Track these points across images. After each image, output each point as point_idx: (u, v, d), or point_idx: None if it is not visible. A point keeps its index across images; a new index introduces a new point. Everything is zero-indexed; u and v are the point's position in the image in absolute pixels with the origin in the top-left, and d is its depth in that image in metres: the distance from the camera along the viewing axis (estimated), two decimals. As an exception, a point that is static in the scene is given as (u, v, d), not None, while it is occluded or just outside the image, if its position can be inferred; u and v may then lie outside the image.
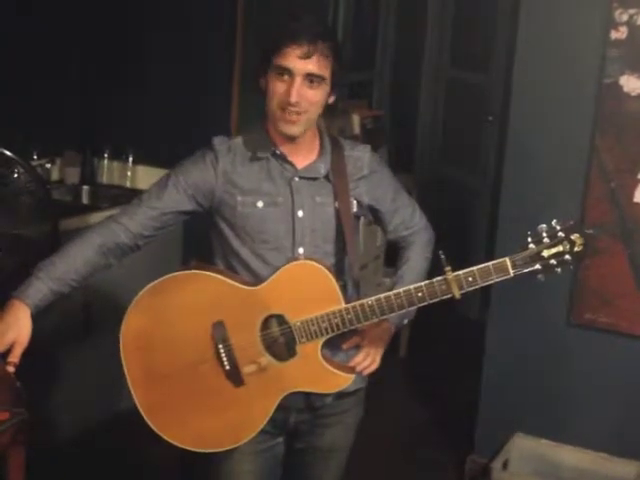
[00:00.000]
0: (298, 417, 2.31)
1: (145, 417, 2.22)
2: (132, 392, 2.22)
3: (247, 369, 2.18)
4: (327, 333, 2.15)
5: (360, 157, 2.30)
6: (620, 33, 3.14)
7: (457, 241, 4.90)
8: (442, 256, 2.11)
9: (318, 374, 2.20)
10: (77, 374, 3.69)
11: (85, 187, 4.26)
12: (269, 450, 2.33)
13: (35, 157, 3.93)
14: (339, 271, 2.24)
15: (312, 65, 2.10)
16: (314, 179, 2.23)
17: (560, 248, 2.10)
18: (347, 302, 2.16)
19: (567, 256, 2.11)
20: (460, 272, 2.10)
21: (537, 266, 2.10)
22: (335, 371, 2.21)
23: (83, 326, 3.69)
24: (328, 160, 2.25)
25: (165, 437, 2.23)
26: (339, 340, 2.24)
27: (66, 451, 3.58)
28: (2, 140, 2.90)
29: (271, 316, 2.17)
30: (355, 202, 2.27)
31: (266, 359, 2.18)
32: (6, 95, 3.75)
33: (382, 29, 5.98)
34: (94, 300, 3.61)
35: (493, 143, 5.33)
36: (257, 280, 2.19)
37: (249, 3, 4.15)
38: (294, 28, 2.10)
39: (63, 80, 4.16)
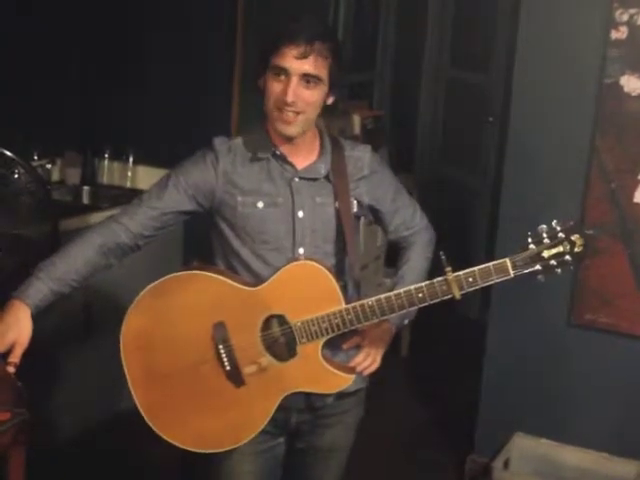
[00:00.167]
0: (299, 417, 2.31)
1: (145, 417, 2.22)
2: (132, 392, 2.22)
3: (248, 369, 2.18)
4: (327, 333, 2.15)
5: (360, 157, 2.30)
6: (620, 33, 3.14)
7: (458, 241, 4.90)
8: (442, 256, 2.11)
9: (318, 374, 2.20)
10: (77, 374, 3.69)
11: (85, 187, 4.25)
12: (269, 450, 2.33)
13: (35, 157, 3.93)
14: (339, 271, 2.24)
15: (309, 65, 2.09)
16: (314, 179, 2.23)
17: (560, 249, 2.10)
18: (347, 302, 2.16)
19: (567, 257, 2.11)
20: (460, 272, 2.10)
21: (537, 267, 2.10)
22: (335, 371, 2.21)
23: (83, 326, 3.69)
24: (328, 160, 2.25)
25: (165, 437, 2.23)
26: (339, 340, 2.24)
27: (66, 451, 3.58)
28: (2, 140, 2.90)
29: (272, 316, 2.17)
30: (355, 202, 2.27)
31: (267, 359, 2.18)
32: (6, 95, 3.74)
33: (382, 29, 5.98)
34: (95, 300, 3.61)
35: (493, 143, 5.33)
36: (258, 280, 2.19)
37: (249, 3, 4.14)
38: (292, 28, 2.10)
39: (63, 80, 4.16)
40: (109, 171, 4.34)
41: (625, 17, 3.13)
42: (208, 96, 4.18)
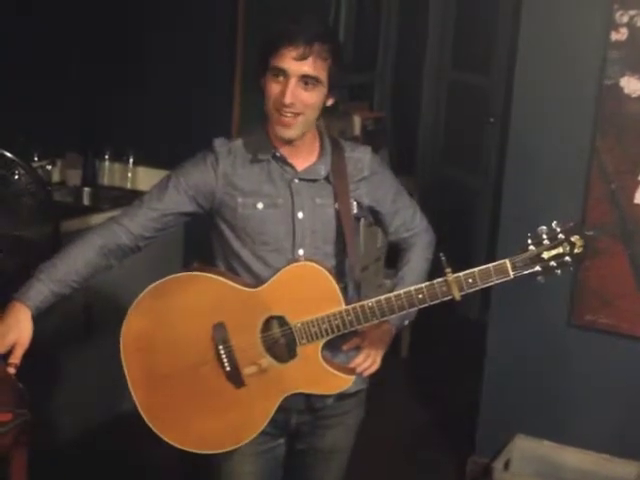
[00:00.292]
0: (299, 418, 2.31)
1: (145, 418, 2.22)
2: (132, 393, 2.23)
3: (248, 370, 2.18)
4: (327, 334, 2.16)
5: (361, 158, 2.30)
6: (620, 34, 3.14)
7: (458, 242, 4.90)
8: (442, 258, 2.11)
9: (318, 375, 2.20)
10: (78, 375, 3.69)
11: (86, 189, 4.25)
12: (270, 451, 2.33)
13: (36, 159, 3.93)
14: (340, 272, 2.24)
15: (307, 67, 2.09)
16: (314, 181, 2.23)
17: (560, 250, 2.10)
18: (348, 303, 2.16)
19: (567, 258, 2.10)
20: (460, 274, 2.11)
21: (537, 268, 2.10)
22: (335, 372, 2.21)
23: (84, 327, 3.69)
24: (328, 162, 2.25)
25: (165, 438, 2.23)
26: (340, 341, 2.24)
27: (67, 453, 3.58)
28: (3, 141, 2.90)
29: (272, 317, 2.17)
30: (355, 203, 2.27)
31: (267, 360, 2.18)
32: (6, 96, 3.75)
33: (384, 30, 5.98)
34: (95, 301, 3.61)
35: (494, 144, 5.33)
36: (258, 282, 2.19)
37: (249, 3, 4.14)
38: (291, 29, 2.10)
39: (63, 80, 4.16)
40: (110, 172, 4.34)
41: (625, 18, 3.13)
42: (208, 96, 4.18)
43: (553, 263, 2.10)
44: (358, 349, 2.29)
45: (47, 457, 2.95)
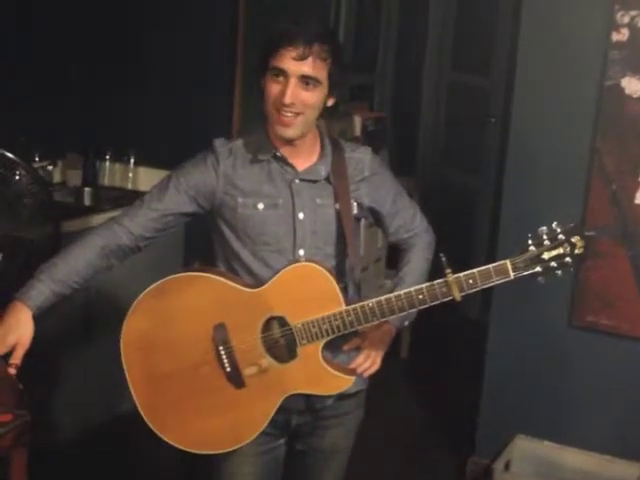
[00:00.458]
0: (299, 419, 2.31)
1: (146, 418, 2.22)
2: (133, 393, 2.23)
3: (248, 371, 2.18)
4: (328, 335, 2.16)
5: (361, 159, 2.30)
6: (621, 35, 3.14)
7: (459, 243, 4.91)
8: (443, 258, 2.11)
9: (319, 376, 2.20)
10: (78, 375, 3.69)
11: (87, 189, 4.25)
12: (270, 452, 2.33)
13: (37, 159, 3.93)
14: (340, 273, 2.24)
15: (307, 67, 2.09)
16: (315, 181, 2.23)
17: (560, 250, 2.10)
18: (348, 304, 2.16)
19: (567, 258, 2.10)
20: (461, 274, 2.11)
21: (537, 268, 2.10)
22: (336, 373, 2.21)
23: (84, 327, 3.70)
24: (329, 162, 2.25)
25: (165, 439, 2.23)
26: (340, 342, 2.24)
27: (66, 452, 3.58)
28: (3, 142, 2.90)
29: (272, 318, 2.17)
30: (356, 204, 2.27)
31: (267, 361, 2.18)
32: (6, 96, 3.74)
33: (384, 31, 5.98)
34: (95, 301, 3.61)
35: (494, 145, 5.33)
36: (258, 282, 2.19)
37: (249, 3, 4.14)
38: (290, 30, 2.10)
39: (63, 81, 4.16)
40: (110, 172, 4.34)
41: (626, 19, 3.13)
42: (208, 96, 4.18)
43: (553, 264, 2.10)
44: (358, 349, 2.29)
45: (47, 457, 2.95)
